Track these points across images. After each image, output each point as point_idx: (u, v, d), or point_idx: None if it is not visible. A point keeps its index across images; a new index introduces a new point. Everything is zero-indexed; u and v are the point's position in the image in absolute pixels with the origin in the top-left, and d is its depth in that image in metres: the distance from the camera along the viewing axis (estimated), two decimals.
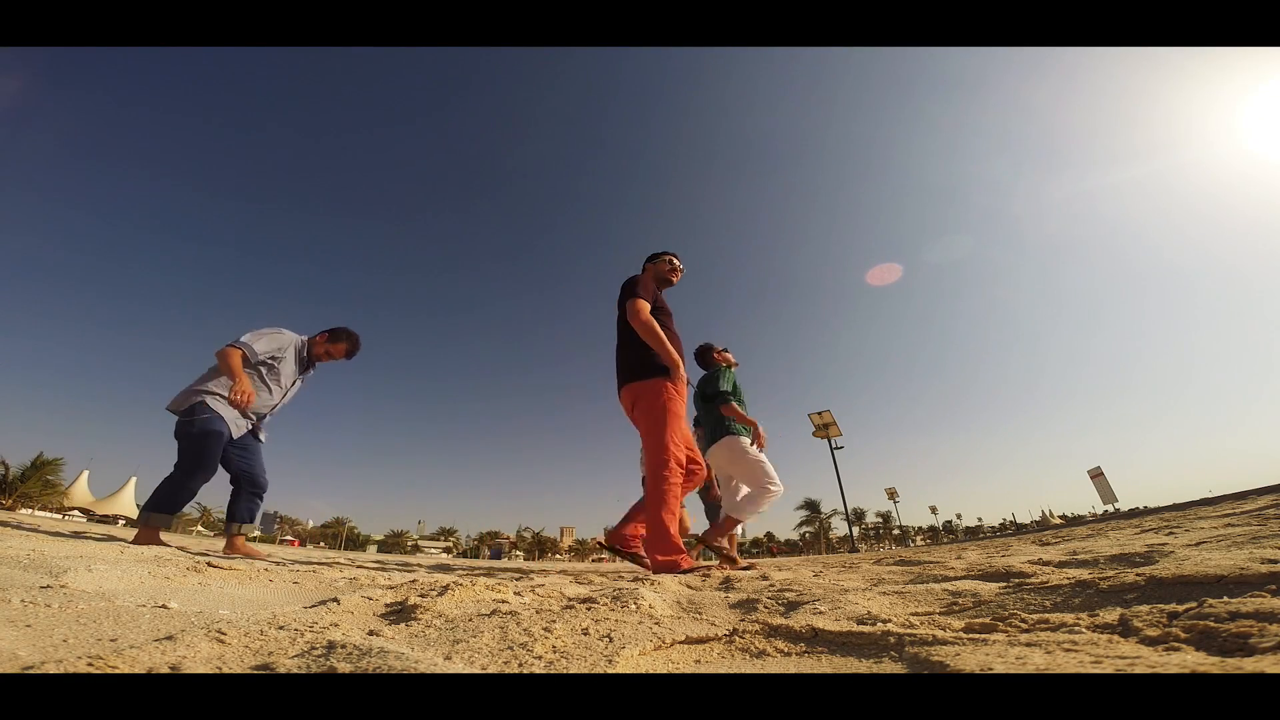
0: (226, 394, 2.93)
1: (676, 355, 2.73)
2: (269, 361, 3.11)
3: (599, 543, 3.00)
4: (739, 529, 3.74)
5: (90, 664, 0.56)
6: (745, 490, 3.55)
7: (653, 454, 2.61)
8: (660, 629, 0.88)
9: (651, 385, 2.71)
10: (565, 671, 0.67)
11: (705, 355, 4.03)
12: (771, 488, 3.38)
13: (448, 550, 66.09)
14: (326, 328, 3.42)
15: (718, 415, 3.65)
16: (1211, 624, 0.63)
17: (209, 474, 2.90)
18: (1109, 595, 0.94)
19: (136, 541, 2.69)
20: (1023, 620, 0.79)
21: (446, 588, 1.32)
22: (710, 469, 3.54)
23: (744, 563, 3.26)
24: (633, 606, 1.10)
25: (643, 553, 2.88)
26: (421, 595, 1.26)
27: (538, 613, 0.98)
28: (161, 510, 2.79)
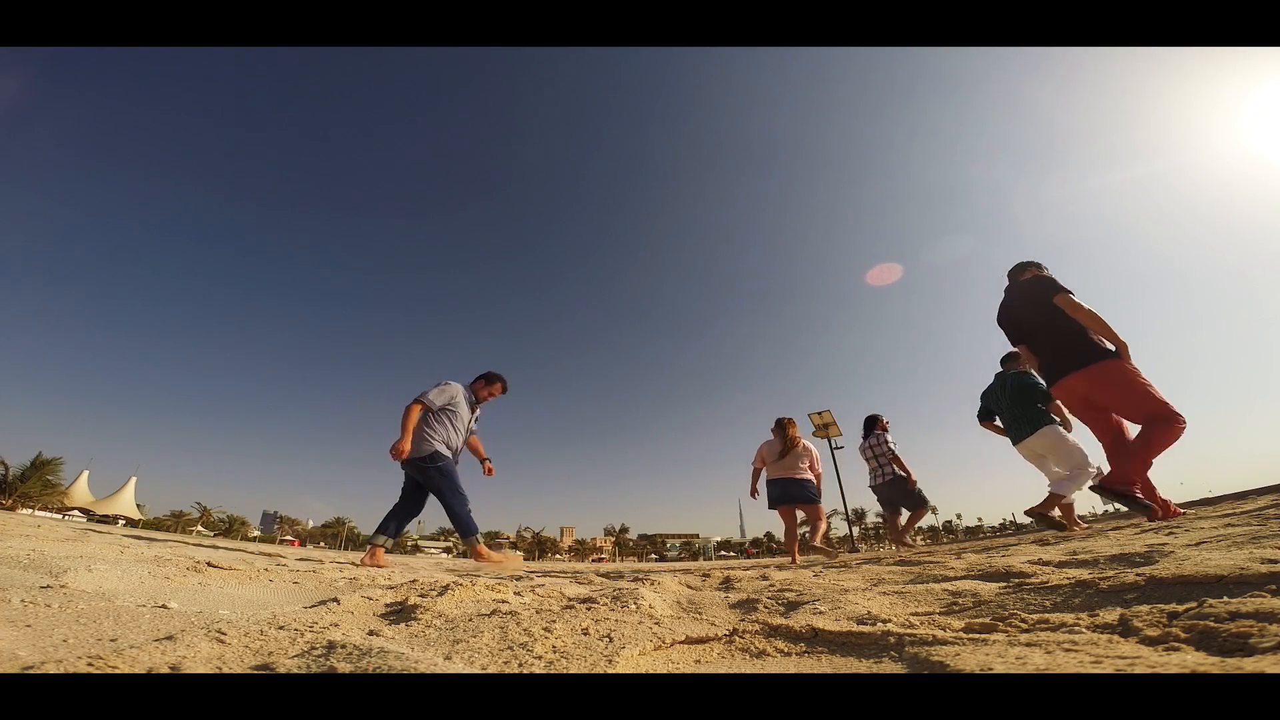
0: (442, 440, 3.71)
1: (1121, 337, 2.97)
2: (449, 408, 3.81)
3: (1096, 487, 3.10)
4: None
5: (90, 664, 0.56)
6: (1063, 472, 4.04)
7: (1158, 412, 2.83)
8: (660, 629, 0.88)
9: (1111, 367, 2.94)
10: (565, 671, 0.67)
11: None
12: (1090, 468, 3.91)
13: (448, 550, 66.04)
14: (481, 373, 4.18)
15: (1035, 410, 4.11)
16: (1211, 624, 0.63)
17: (467, 497, 3.67)
18: (1109, 595, 0.94)
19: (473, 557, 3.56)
20: (1023, 620, 0.79)
21: (446, 588, 1.32)
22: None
23: (1083, 527, 3.92)
24: (633, 606, 1.10)
25: (1144, 499, 3.05)
26: (421, 595, 1.26)
27: (538, 613, 0.98)
28: (468, 534, 3.61)
